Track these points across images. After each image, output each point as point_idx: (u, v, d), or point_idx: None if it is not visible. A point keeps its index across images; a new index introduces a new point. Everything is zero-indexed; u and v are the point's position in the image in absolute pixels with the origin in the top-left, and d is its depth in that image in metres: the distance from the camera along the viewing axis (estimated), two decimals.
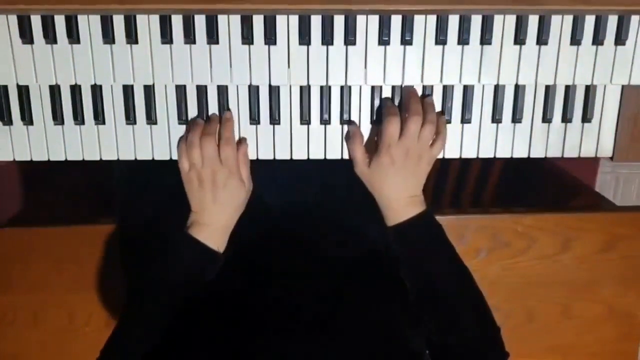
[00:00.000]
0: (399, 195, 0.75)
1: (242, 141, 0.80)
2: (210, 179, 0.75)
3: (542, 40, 0.78)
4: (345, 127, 0.81)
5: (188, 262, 0.75)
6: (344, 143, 0.82)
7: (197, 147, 0.75)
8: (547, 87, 0.82)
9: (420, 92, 0.81)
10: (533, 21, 0.78)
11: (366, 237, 0.84)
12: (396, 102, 0.81)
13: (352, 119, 0.81)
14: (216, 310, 0.73)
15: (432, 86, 0.81)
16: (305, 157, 0.82)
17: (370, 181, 0.77)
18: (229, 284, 0.76)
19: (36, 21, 0.76)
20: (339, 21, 0.77)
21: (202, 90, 0.80)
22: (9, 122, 0.80)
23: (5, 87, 0.79)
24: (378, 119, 0.81)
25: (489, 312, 0.75)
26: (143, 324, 0.74)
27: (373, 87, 0.81)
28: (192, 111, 0.80)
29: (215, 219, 0.76)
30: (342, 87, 0.81)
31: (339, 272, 0.78)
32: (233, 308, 0.72)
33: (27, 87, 0.79)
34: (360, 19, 0.77)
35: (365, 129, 0.82)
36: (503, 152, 0.84)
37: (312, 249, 0.81)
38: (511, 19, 0.78)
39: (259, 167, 0.82)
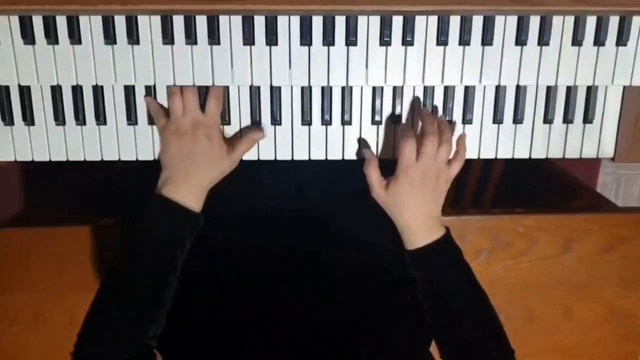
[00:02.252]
0: (418, 217, 0.73)
1: (259, 131, 0.80)
2: (191, 128, 0.73)
3: (543, 41, 0.78)
4: (347, 127, 0.81)
5: (164, 225, 0.71)
6: (345, 144, 0.82)
7: (179, 96, 0.74)
8: (549, 88, 0.82)
9: (421, 93, 0.81)
10: (534, 22, 0.78)
11: (374, 245, 0.84)
12: (395, 102, 0.81)
13: (353, 119, 0.81)
14: (220, 319, 0.71)
15: (433, 87, 0.81)
16: (307, 158, 0.82)
17: (388, 205, 0.75)
18: (233, 293, 0.75)
19: (38, 22, 0.76)
20: (340, 22, 0.77)
21: (203, 91, 0.79)
22: (10, 122, 0.80)
23: (7, 88, 0.79)
24: (376, 120, 0.81)
25: (504, 334, 0.74)
26: (121, 301, 0.68)
27: (374, 88, 0.81)
28: None
29: (191, 174, 0.73)
30: (343, 88, 0.81)
31: (345, 280, 0.78)
32: (238, 317, 0.71)
33: (28, 88, 0.79)
34: (362, 20, 0.77)
35: (366, 129, 0.82)
36: (504, 153, 0.84)
37: (318, 257, 0.80)
38: (512, 20, 0.78)
39: (263, 174, 0.82)
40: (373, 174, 0.75)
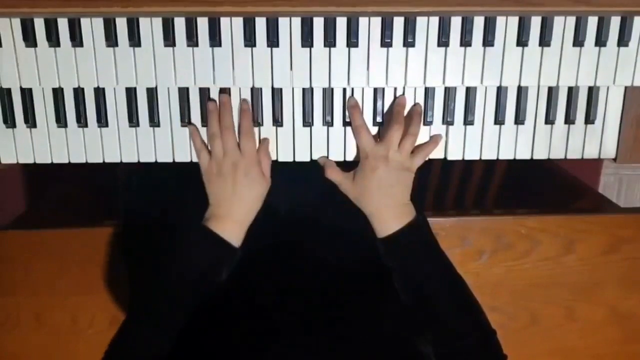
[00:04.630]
0: (386, 203, 0.75)
1: (265, 139, 0.81)
2: (231, 169, 0.76)
3: (544, 41, 0.78)
4: (348, 129, 0.81)
5: (205, 255, 0.74)
6: (347, 145, 0.82)
7: (219, 138, 0.77)
8: (550, 89, 0.82)
9: (422, 94, 0.81)
10: (535, 23, 0.78)
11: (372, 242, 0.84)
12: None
13: None
14: (219, 315, 0.72)
15: (434, 88, 0.81)
16: (308, 159, 0.82)
17: (357, 195, 0.77)
18: (233, 289, 0.76)
19: (39, 24, 0.76)
20: (341, 23, 0.77)
21: (204, 93, 0.80)
22: (12, 124, 0.80)
23: (8, 90, 0.79)
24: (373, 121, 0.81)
25: (484, 316, 0.74)
26: (153, 322, 0.72)
27: (375, 89, 0.81)
28: (195, 113, 0.80)
29: (234, 211, 0.76)
30: (344, 89, 0.81)
31: (343, 277, 0.78)
32: (238, 313, 0.72)
33: (30, 90, 0.79)
34: (363, 21, 0.77)
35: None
36: (506, 154, 0.84)
37: (316, 253, 0.81)
38: (514, 21, 0.78)
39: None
40: (334, 174, 0.79)
